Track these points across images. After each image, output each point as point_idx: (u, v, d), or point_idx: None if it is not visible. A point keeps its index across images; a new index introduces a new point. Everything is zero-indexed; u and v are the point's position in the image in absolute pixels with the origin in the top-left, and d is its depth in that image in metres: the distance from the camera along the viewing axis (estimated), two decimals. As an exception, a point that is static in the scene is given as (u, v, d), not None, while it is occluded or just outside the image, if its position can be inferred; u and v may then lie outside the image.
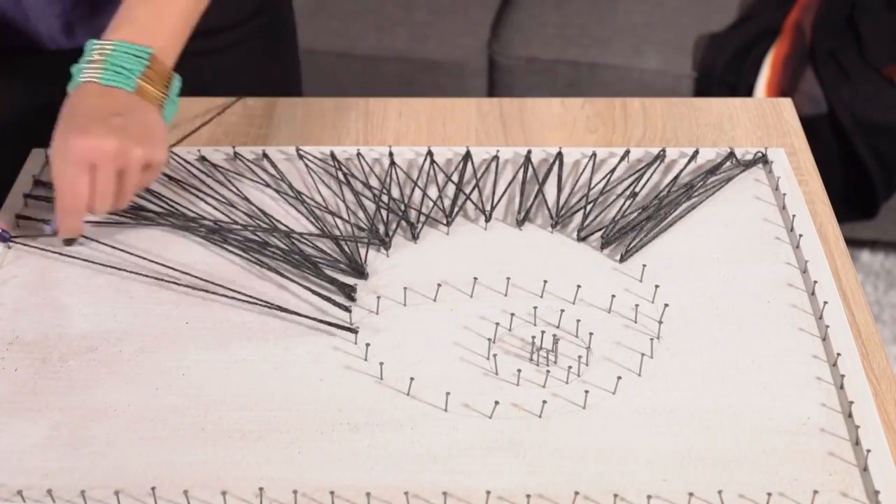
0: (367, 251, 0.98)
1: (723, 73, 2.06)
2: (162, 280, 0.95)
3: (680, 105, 1.16)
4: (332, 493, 0.78)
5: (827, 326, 0.90)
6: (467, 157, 1.08)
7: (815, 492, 0.78)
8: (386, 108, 1.16)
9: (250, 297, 0.93)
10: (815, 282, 0.94)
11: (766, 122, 1.11)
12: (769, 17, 2.11)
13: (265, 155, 1.09)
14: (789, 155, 1.05)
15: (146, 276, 0.95)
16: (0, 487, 0.78)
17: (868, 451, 0.80)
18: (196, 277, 0.95)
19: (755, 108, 1.16)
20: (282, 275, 0.96)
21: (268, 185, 1.05)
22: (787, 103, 1.17)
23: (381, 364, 0.87)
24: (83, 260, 0.97)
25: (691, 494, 0.78)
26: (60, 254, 0.97)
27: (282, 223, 1.01)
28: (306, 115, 1.15)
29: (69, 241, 0.98)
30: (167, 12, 0.98)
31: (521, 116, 1.16)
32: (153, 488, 0.78)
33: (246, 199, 1.04)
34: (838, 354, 0.88)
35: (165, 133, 0.96)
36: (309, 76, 1.57)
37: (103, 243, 0.98)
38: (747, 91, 2.03)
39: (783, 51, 2.00)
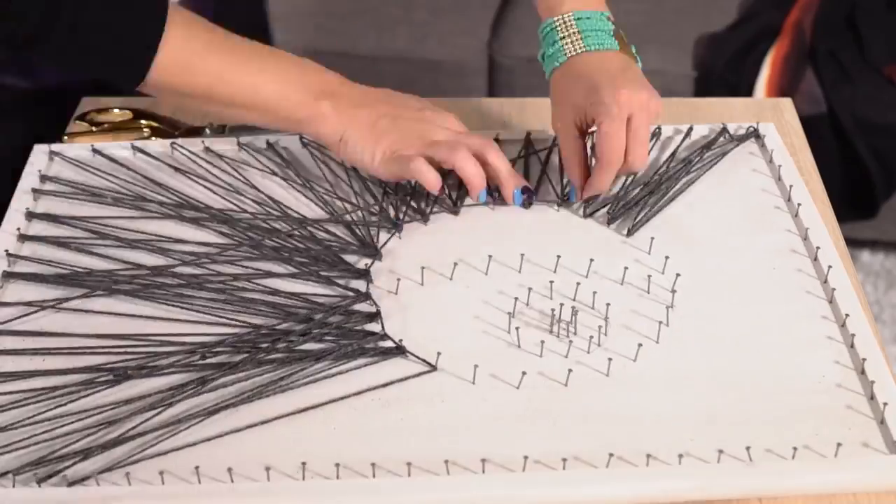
0: (378, 233, 1.00)
1: (723, 72, 2.07)
2: (177, 268, 0.96)
3: (680, 105, 1.18)
4: (373, 464, 0.79)
5: (833, 289, 0.93)
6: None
7: (839, 444, 0.81)
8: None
9: (267, 287, 0.94)
10: (818, 247, 0.97)
11: (767, 121, 1.12)
12: (769, 17, 2.12)
13: (269, 144, 1.10)
14: (804, 175, 1.07)
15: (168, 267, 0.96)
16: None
17: (885, 404, 0.83)
18: (209, 268, 0.96)
19: (755, 108, 1.18)
20: (295, 261, 0.97)
21: (275, 174, 1.07)
22: (787, 103, 1.19)
23: (401, 340, 0.89)
24: (101, 256, 0.98)
25: (721, 452, 0.81)
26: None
27: (292, 210, 1.02)
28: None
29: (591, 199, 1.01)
30: None
31: (521, 116, 1.18)
32: (197, 467, 0.79)
33: (255, 187, 1.05)
34: (847, 315, 0.91)
35: None
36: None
37: (111, 236, 0.99)
38: (747, 91, 2.05)
39: (783, 51, 2.02)
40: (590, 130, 1.00)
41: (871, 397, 0.85)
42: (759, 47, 2.08)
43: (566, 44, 0.99)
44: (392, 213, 1.02)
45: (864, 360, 0.87)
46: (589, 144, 1.01)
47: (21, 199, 1.03)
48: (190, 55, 0.96)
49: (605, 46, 0.99)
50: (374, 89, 1.02)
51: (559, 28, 0.99)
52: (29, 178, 1.05)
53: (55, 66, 1.02)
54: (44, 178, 1.06)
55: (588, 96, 0.97)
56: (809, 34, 2.08)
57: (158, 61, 0.94)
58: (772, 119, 1.13)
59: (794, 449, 0.81)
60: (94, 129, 1.14)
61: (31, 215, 1.01)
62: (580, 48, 0.99)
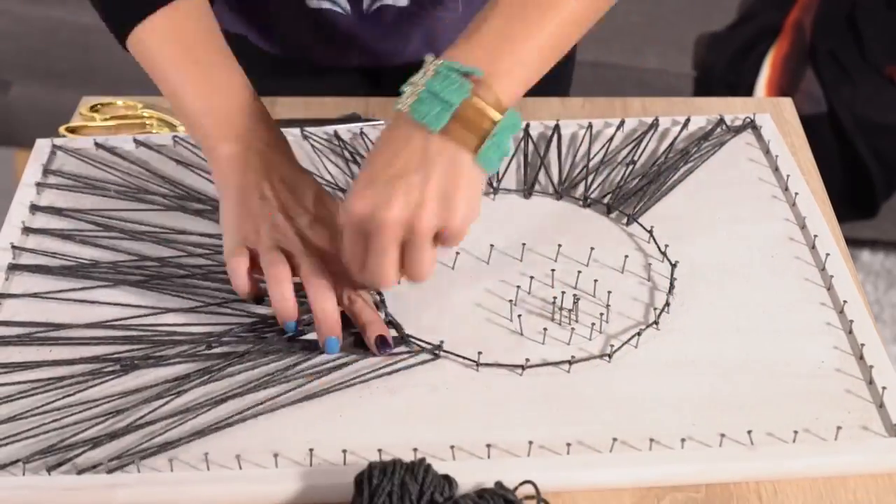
0: (380, 225, 1.01)
1: (723, 72, 2.07)
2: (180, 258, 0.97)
3: (680, 104, 1.18)
4: (379, 450, 0.80)
5: (831, 276, 0.94)
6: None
7: (839, 428, 0.82)
8: (386, 108, 1.16)
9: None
10: (816, 235, 0.98)
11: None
12: (769, 17, 2.13)
13: (270, 137, 1.11)
14: (800, 164, 1.08)
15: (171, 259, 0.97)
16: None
17: (884, 388, 0.85)
18: (213, 259, 0.97)
19: (755, 107, 1.17)
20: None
21: (276, 166, 1.07)
22: (787, 103, 1.19)
23: (404, 329, 0.90)
24: (105, 248, 0.98)
25: (723, 436, 0.82)
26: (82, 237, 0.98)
27: (294, 201, 1.03)
28: (307, 114, 1.16)
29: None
30: (519, 34, 0.80)
31: (521, 116, 1.17)
32: (206, 454, 0.80)
33: (256, 179, 1.06)
34: (844, 301, 0.92)
35: (477, 189, 0.81)
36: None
37: (119, 230, 1.00)
38: (747, 90, 2.05)
39: (783, 50, 2.02)
40: None
41: (870, 382, 0.86)
42: (759, 47, 2.08)
43: (406, 92, 0.80)
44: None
45: (862, 345, 0.88)
46: None
47: (24, 193, 1.03)
48: (159, 45, 0.93)
49: (424, 121, 0.78)
50: (286, 164, 0.91)
51: (420, 71, 0.80)
52: (31, 172, 1.06)
53: None
54: (46, 171, 1.06)
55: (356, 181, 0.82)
56: (809, 34, 2.08)
57: (136, 33, 0.92)
58: (772, 118, 1.13)
59: (795, 433, 0.82)
60: (98, 121, 1.14)
61: (34, 208, 1.02)
62: (405, 107, 0.79)
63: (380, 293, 0.93)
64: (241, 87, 0.93)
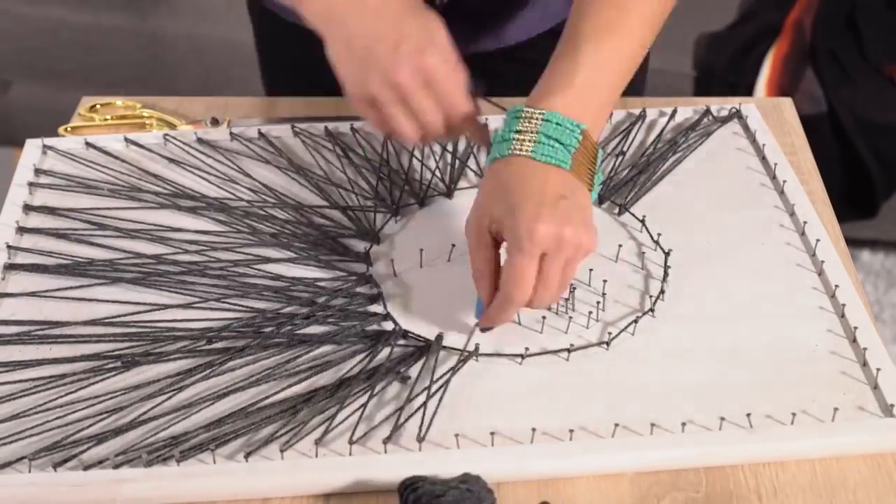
0: (374, 218, 1.01)
1: (723, 72, 2.08)
2: (178, 257, 0.97)
3: (680, 104, 1.16)
4: (384, 441, 0.81)
5: (822, 262, 0.96)
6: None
7: (836, 409, 0.83)
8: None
9: (268, 272, 0.96)
10: (805, 222, 1.00)
11: (767, 121, 1.13)
12: (769, 17, 2.13)
13: (261, 134, 1.11)
14: (789, 155, 1.08)
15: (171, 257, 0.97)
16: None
17: (878, 369, 0.86)
18: (209, 255, 0.97)
19: (755, 108, 1.19)
20: (295, 247, 0.98)
21: (268, 162, 1.08)
22: (787, 102, 1.19)
23: (403, 321, 0.90)
24: (101, 246, 0.98)
25: (723, 419, 0.83)
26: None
27: (287, 197, 1.04)
28: (307, 115, 1.16)
29: (486, 329, 0.90)
30: (601, 83, 0.89)
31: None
32: (212, 448, 0.80)
33: (249, 176, 1.06)
34: (836, 286, 0.94)
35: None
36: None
37: (114, 227, 1.00)
38: (747, 90, 2.05)
39: (783, 50, 2.02)
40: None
41: (864, 364, 0.88)
42: (759, 47, 2.08)
43: (517, 139, 0.86)
44: (388, 197, 1.03)
45: (855, 328, 0.90)
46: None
47: (17, 193, 1.03)
48: None
49: (554, 161, 0.85)
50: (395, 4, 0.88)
51: (522, 119, 0.86)
52: (23, 172, 1.06)
53: None
54: (38, 171, 1.06)
55: (506, 215, 0.84)
56: (809, 34, 2.09)
57: None
58: (772, 118, 1.14)
59: (793, 415, 0.83)
60: (97, 121, 1.14)
61: (28, 208, 1.02)
62: (527, 151, 0.85)
63: (378, 287, 0.94)
64: None
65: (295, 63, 1.12)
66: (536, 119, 0.86)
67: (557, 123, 0.86)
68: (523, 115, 0.86)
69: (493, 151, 0.88)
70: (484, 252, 0.87)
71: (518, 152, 0.85)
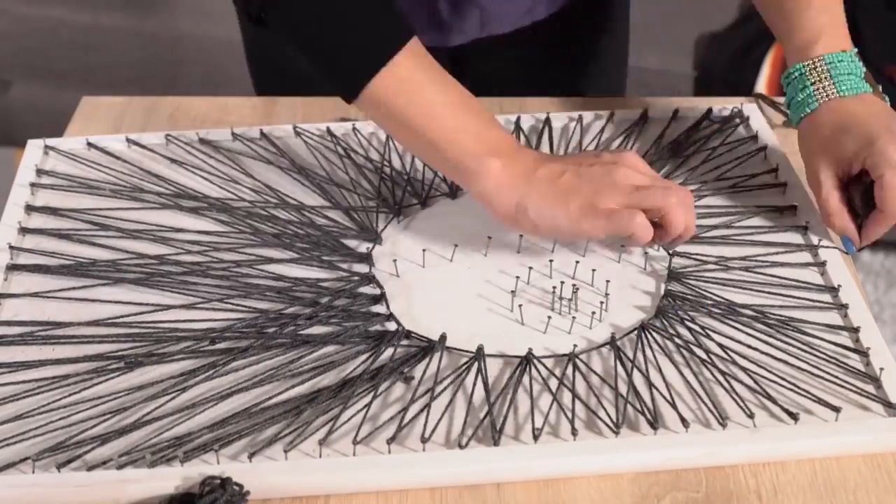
0: (377, 218, 1.02)
1: (723, 72, 2.08)
2: (183, 256, 0.97)
3: (680, 104, 1.17)
4: (388, 442, 0.81)
5: (825, 261, 0.96)
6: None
7: (839, 409, 0.83)
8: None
9: (271, 272, 0.96)
10: (807, 221, 1.00)
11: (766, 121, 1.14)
12: None
13: (263, 134, 1.11)
14: (789, 154, 1.08)
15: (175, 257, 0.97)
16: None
17: (881, 369, 0.86)
18: (212, 255, 0.97)
19: (757, 107, 1.18)
20: (297, 247, 0.98)
21: (270, 163, 1.08)
22: None
23: (406, 321, 0.91)
24: (103, 246, 0.98)
25: (726, 418, 0.83)
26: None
27: (289, 197, 1.04)
28: (306, 115, 1.16)
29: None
30: (836, 10, 0.99)
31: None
32: (216, 449, 0.80)
33: (251, 176, 1.06)
34: (839, 285, 0.94)
35: None
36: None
37: (112, 227, 1.00)
38: (747, 90, 2.03)
39: (783, 50, 2.02)
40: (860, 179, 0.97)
41: (867, 363, 0.88)
42: (759, 47, 2.08)
43: (818, 89, 0.96)
44: (390, 197, 1.04)
45: (858, 327, 0.90)
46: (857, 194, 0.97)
47: (19, 193, 1.03)
48: (410, 82, 0.92)
49: (860, 90, 0.96)
50: (545, 154, 0.97)
51: (809, 73, 0.96)
52: (25, 173, 1.06)
53: (283, 38, 0.94)
54: (40, 171, 1.06)
55: (862, 147, 0.93)
56: (810, 34, 2.09)
57: (381, 76, 0.91)
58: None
59: (797, 415, 0.83)
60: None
61: (30, 209, 1.02)
62: (833, 94, 0.96)
63: (381, 288, 0.94)
64: (478, 107, 0.94)
65: (284, 71, 1.14)
66: (821, 67, 0.96)
67: (840, 60, 0.95)
68: (805, 70, 0.97)
69: (796, 112, 0.98)
70: (838, 196, 0.96)
71: (825, 100, 0.96)
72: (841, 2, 1.00)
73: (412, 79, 0.92)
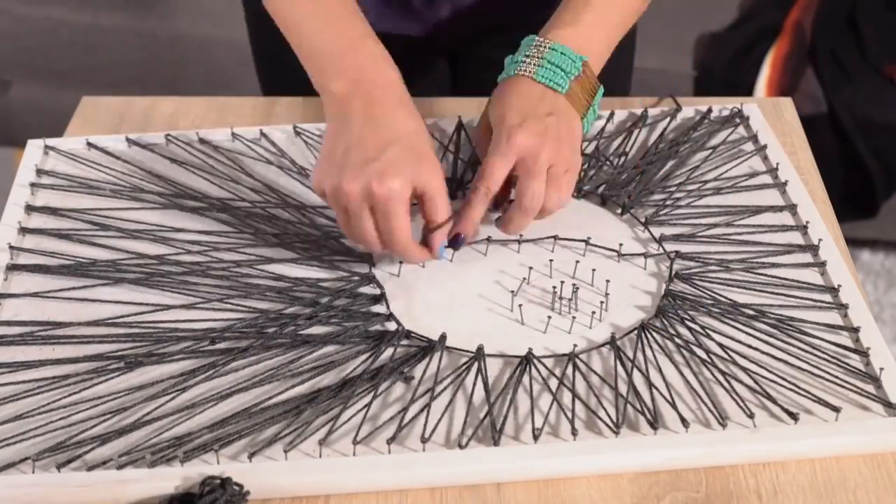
0: (377, 219, 1.01)
1: (723, 72, 2.07)
2: (184, 256, 0.97)
3: (680, 104, 1.17)
4: (388, 442, 0.81)
5: (824, 261, 0.96)
6: (460, 127, 1.11)
7: (839, 409, 0.83)
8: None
9: (271, 272, 0.96)
10: (808, 221, 1.00)
11: (767, 121, 1.13)
12: (769, 17, 2.13)
13: (263, 134, 1.11)
14: (789, 154, 1.09)
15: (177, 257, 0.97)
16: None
17: (881, 369, 0.86)
18: (212, 255, 0.97)
19: (757, 107, 1.18)
20: (297, 247, 0.98)
21: (270, 163, 1.08)
22: (787, 102, 1.19)
23: (406, 321, 0.91)
24: (103, 246, 0.98)
25: (726, 418, 0.83)
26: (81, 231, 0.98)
27: (289, 197, 1.04)
28: (306, 115, 1.16)
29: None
30: (608, 21, 1.00)
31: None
32: (216, 449, 0.80)
33: (251, 176, 1.06)
34: (839, 286, 0.94)
35: (581, 142, 0.99)
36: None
37: (115, 227, 1.00)
38: (747, 90, 2.05)
39: (783, 50, 2.01)
40: None
41: (867, 363, 0.88)
42: (759, 47, 2.08)
43: (525, 62, 0.97)
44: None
45: (858, 327, 0.90)
46: None
47: (19, 193, 1.03)
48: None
49: (552, 84, 0.96)
50: (391, 114, 0.93)
51: (532, 47, 0.97)
52: (25, 173, 1.06)
53: None
54: (40, 171, 1.06)
55: (497, 121, 0.95)
56: (809, 34, 2.08)
57: None
58: (772, 118, 1.14)
59: (796, 415, 0.83)
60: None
61: (30, 209, 1.02)
62: (530, 73, 0.96)
63: (381, 288, 0.94)
64: (368, 39, 0.95)
65: (290, 65, 1.13)
66: (544, 47, 0.97)
67: (562, 53, 0.96)
68: (534, 43, 0.97)
69: (504, 72, 0.98)
70: (484, 146, 0.97)
71: (522, 73, 0.96)
72: (618, 16, 1.02)
73: None
